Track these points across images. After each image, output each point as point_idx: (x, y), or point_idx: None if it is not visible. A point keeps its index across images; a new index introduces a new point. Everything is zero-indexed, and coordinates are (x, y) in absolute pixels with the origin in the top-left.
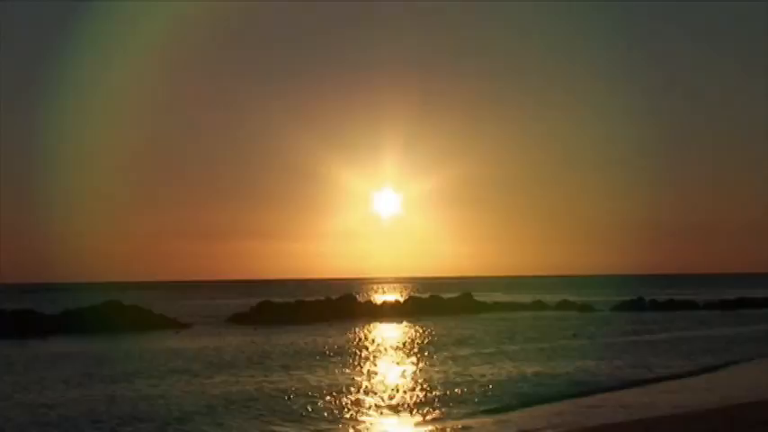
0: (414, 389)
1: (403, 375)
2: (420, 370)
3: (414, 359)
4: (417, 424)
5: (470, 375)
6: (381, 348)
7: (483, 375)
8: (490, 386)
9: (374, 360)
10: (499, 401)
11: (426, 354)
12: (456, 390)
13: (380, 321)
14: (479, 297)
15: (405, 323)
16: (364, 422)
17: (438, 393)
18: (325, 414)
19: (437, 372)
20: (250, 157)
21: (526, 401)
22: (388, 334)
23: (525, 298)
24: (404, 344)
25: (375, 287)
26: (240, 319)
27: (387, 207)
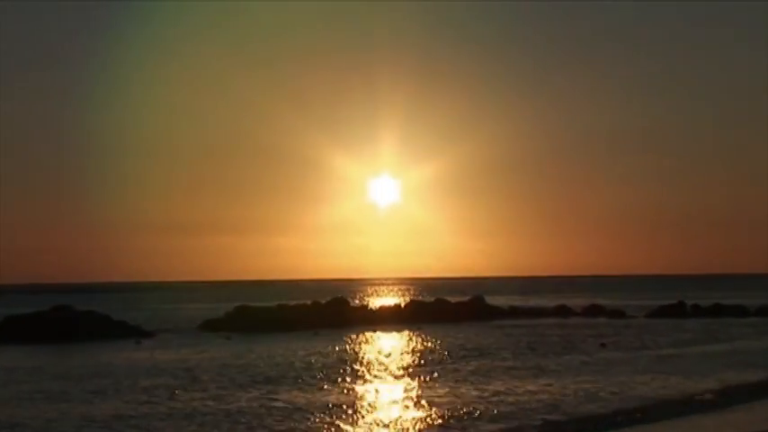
0: (428, 414)
1: (408, 396)
2: (429, 388)
3: (419, 375)
4: None
5: (505, 393)
6: (377, 362)
7: (517, 393)
8: (533, 406)
9: (367, 377)
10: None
11: (435, 368)
12: (492, 411)
13: (377, 329)
14: (492, 301)
15: (406, 332)
16: None
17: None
18: None
19: (453, 390)
20: (227, 140)
21: (593, 427)
22: (385, 344)
23: (546, 302)
24: (405, 356)
25: (371, 289)
26: (213, 327)
27: (384, 195)
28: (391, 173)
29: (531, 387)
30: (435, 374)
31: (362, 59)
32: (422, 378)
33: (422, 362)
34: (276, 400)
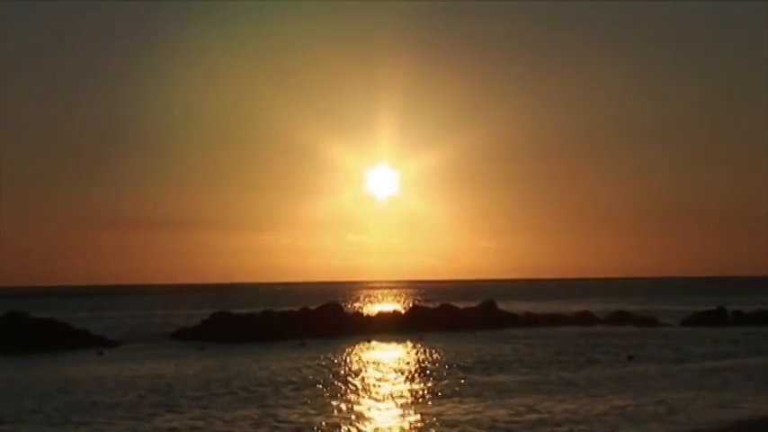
0: None
1: (426, 417)
2: (443, 406)
3: (427, 391)
4: None
5: (535, 411)
6: (374, 377)
7: (548, 412)
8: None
9: (363, 396)
10: None
11: (445, 383)
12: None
13: (374, 339)
14: (505, 307)
15: (407, 342)
16: None
17: None
18: None
19: (475, 408)
20: (208, 126)
21: None
22: (382, 356)
23: (566, 308)
24: (407, 369)
25: (368, 294)
26: (186, 336)
27: (382, 187)
28: (390, 162)
29: (562, 405)
30: (448, 390)
31: (360, 43)
32: (432, 394)
33: (428, 376)
34: (248, 423)
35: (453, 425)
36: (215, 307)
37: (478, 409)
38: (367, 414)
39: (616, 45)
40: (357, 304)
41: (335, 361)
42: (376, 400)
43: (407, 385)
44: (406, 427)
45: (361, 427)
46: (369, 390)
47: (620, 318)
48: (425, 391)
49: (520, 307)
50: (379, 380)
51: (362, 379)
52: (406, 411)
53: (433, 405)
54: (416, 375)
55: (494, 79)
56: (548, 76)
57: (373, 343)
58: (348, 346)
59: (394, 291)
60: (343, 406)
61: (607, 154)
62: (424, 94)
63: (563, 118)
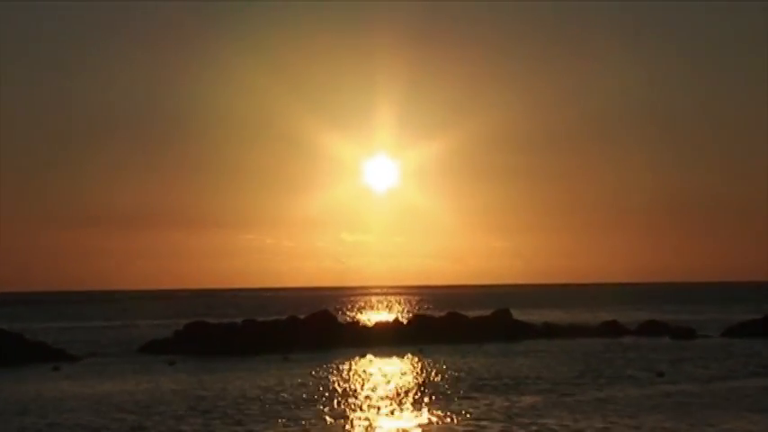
0: None
1: None
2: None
3: (434, 417)
4: None
5: None
6: (365, 399)
7: None
8: None
9: (349, 423)
10: None
11: (456, 403)
12: None
13: (370, 352)
14: (522, 316)
15: (409, 356)
16: None
17: None
18: None
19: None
20: (183, 112)
21: None
22: (379, 373)
23: (591, 317)
24: (409, 389)
25: (364, 301)
26: (156, 349)
27: (381, 179)
28: (389, 152)
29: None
30: (460, 416)
31: (358, 25)
32: (440, 419)
33: (434, 396)
34: None
35: None
36: (190, 316)
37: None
38: None
39: (629, 31)
40: (352, 313)
41: (323, 378)
42: (367, 429)
43: (409, 408)
44: None
45: None
46: (357, 414)
47: (652, 328)
48: (432, 416)
49: (538, 316)
50: (373, 402)
51: (351, 400)
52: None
53: (444, 422)
54: (420, 396)
55: (500, 65)
56: (558, 61)
57: (369, 357)
58: (339, 361)
59: (395, 297)
60: None
61: (622, 143)
62: (427, 80)
63: (574, 106)
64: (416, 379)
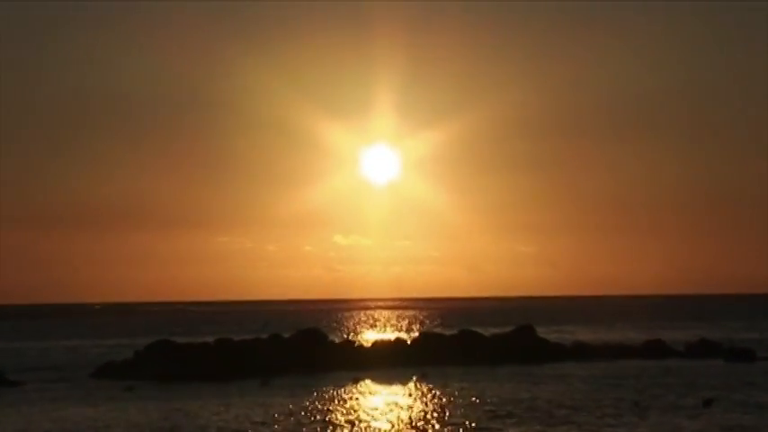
0: None
1: None
2: None
3: None
4: None
5: None
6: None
7: None
8: None
9: None
10: None
11: None
12: None
13: (364, 377)
14: (548, 333)
15: (413, 382)
16: None
17: None
18: None
19: None
20: (148, 94)
21: None
22: (374, 402)
23: (631, 335)
24: (416, 421)
25: (361, 316)
26: (112, 372)
27: (380, 170)
28: (388, 141)
29: None
30: None
31: (354, 8)
32: None
33: (437, 426)
34: None
35: None
36: (153, 333)
37: None
38: None
39: (643, 14)
40: (346, 330)
41: (309, 407)
42: None
43: None
44: None
45: None
46: None
47: (703, 349)
48: None
49: (567, 333)
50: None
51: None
52: None
53: None
54: (424, 429)
55: (511, 43)
56: (574, 40)
57: (365, 382)
58: (329, 387)
59: (397, 312)
60: None
61: (661, 128)
62: (429, 61)
63: (599, 86)
64: (421, 408)
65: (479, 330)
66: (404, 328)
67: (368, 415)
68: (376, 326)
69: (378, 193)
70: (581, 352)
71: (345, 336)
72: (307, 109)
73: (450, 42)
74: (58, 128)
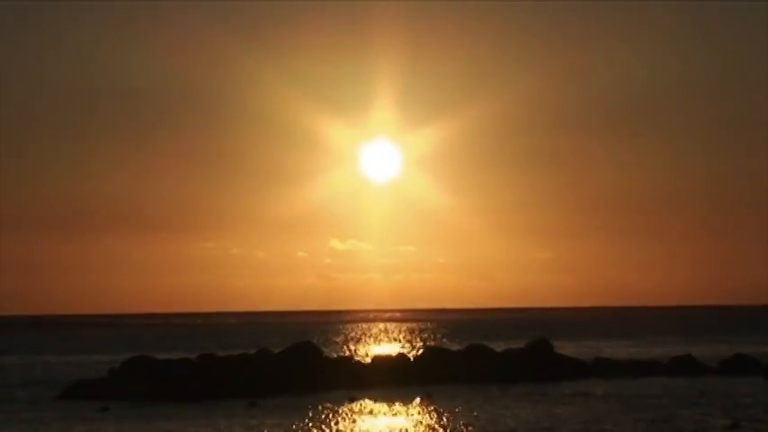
0: None
1: None
2: None
3: None
4: None
5: None
6: None
7: None
8: None
9: None
10: None
11: None
12: None
13: (362, 396)
14: (565, 348)
15: (416, 402)
16: None
17: None
18: None
19: None
20: (120, 83)
21: None
22: (380, 423)
23: (657, 350)
24: None
25: (360, 329)
26: (86, 392)
27: (380, 167)
28: (389, 136)
29: None
30: None
31: None
32: None
33: None
34: None
35: None
36: (130, 348)
37: None
38: None
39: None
40: (343, 345)
41: (301, 431)
42: None
43: None
44: None
45: None
46: None
47: (740, 365)
48: None
49: (587, 348)
50: None
51: None
52: None
53: None
54: None
55: (520, 32)
56: (586, 29)
57: (363, 402)
58: (324, 408)
59: (399, 325)
60: None
61: (674, 124)
62: (432, 51)
63: (614, 81)
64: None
65: (490, 345)
66: (406, 343)
67: None
68: (375, 340)
69: (378, 192)
70: (603, 369)
71: (342, 351)
72: (300, 101)
73: (456, 28)
74: (25, 127)
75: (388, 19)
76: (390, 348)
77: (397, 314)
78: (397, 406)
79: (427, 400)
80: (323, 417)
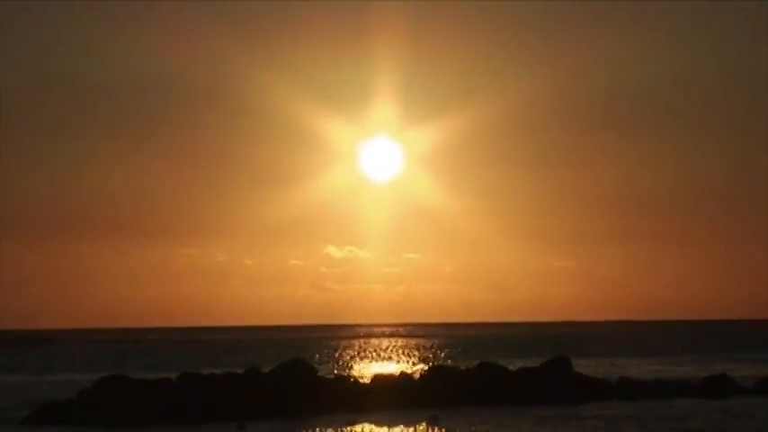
0: None
1: None
2: None
3: None
4: None
5: None
6: None
7: None
8: None
9: None
10: None
11: None
12: None
13: (361, 420)
14: (585, 367)
15: (422, 426)
16: None
17: None
18: None
19: None
20: (108, 77)
21: None
22: None
23: (686, 369)
24: None
25: (358, 346)
26: (54, 416)
27: (380, 167)
28: (390, 134)
29: None
30: None
31: None
32: None
33: None
34: None
35: None
36: (104, 367)
37: None
38: None
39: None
40: (340, 364)
41: None
42: None
43: None
44: None
45: None
46: None
47: None
48: None
49: (611, 367)
50: None
51: None
52: None
53: None
54: None
55: (528, 27)
56: (601, 22)
57: (362, 427)
58: None
59: (402, 341)
60: None
61: (696, 120)
62: (436, 43)
63: (630, 74)
64: None
65: (502, 363)
66: (410, 361)
67: None
68: (376, 358)
69: (378, 194)
70: (627, 389)
71: (339, 370)
72: (293, 95)
73: (461, 19)
74: None
75: (391, 11)
76: (392, 367)
77: (400, 329)
78: (400, 431)
79: (433, 424)
80: None
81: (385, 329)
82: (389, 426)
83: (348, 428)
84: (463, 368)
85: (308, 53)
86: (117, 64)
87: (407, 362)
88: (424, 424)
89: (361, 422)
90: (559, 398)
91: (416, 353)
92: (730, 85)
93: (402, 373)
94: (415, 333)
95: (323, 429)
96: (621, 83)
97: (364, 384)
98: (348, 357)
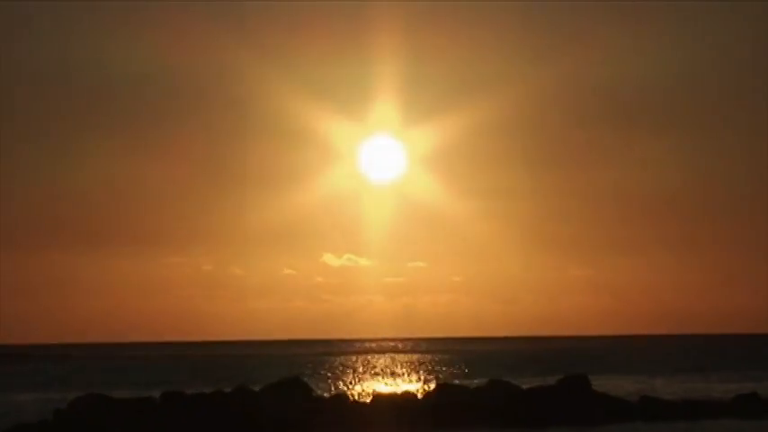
0: None
1: None
2: None
3: None
4: None
5: None
6: None
7: None
8: None
9: None
10: None
11: None
12: None
13: None
14: (606, 385)
15: None
16: None
17: None
18: None
19: None
20: (89, 75)
21: None
22: None
23: (717, 387)
24: None
25: (358, 363)
26: None
27: (381, 167)
28: (392, 133)
29: None
30: None
31: None
32: None
33: None
34: None
35: None
36: (82, 386)
37: None
38: None
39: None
40: (337, 381)
41: None
42: None
43: None
44: None
45: None
46: None
47: None
48: None
49: (633, 385)
50: None
51: None
52: None
53: None
54: None
55: (534, 22)
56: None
57: None
58: None
59: (407, 357)
60: None
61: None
62: (440, 36)
63: (645, 70)
64: None
65: (515, 381)
66: (414, 379)
67: None
68: (377, 375)
69: (380, 197)
70: (651, 410)
71: (336, 389)
72: (289, 92)
73: (466, 13)
74: None
75: (393, 7)
76: (395, 385)
77: (403, 344)
78: None
79: None
80: None
81: (387, 345)
82: None
83: None
84: (472, 387)
85: (305, 46)
86: (109, 64)
87: (411, 380)
88: None
89: None
90: (577, 419)
91: (421, 370)
92: None
93: (405, 392)
94: (419, 348)
95: None
96: (641, 77)
97: (364, 404)
98: (347, 375)
